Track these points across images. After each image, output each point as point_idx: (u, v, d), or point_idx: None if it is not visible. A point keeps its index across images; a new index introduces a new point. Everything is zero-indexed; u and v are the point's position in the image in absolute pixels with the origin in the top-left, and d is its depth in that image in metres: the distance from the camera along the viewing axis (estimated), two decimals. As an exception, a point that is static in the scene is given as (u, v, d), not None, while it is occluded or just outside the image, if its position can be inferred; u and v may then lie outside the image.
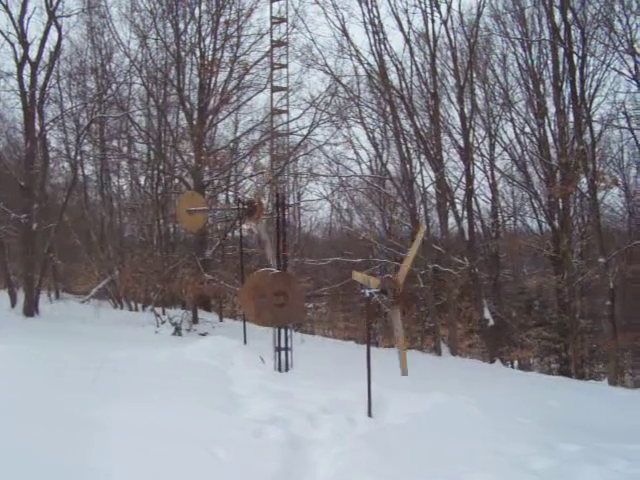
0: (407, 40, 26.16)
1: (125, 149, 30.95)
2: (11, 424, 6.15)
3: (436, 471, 6.25)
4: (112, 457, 5.74)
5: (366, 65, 26.61)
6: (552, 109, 26.99)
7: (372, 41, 25.96)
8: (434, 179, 26.83)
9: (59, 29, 21.82)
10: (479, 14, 25.67)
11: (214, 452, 6.29)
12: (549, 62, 26.80)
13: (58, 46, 22.25)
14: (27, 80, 21.06)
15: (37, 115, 21.58)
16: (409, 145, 27.05)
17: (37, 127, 21.62)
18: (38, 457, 5.44)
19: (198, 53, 24.97)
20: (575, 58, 23.58)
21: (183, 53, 25.08)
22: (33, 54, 21.21)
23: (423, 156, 27.44)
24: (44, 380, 8.42)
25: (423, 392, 9.64)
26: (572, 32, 23.69)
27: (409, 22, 26.14)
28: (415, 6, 25.81)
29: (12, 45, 21.01)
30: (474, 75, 27.46)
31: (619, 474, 6.08)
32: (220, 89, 25.69)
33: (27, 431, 6.03)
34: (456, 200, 28.05)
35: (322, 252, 34.63)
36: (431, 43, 25.87)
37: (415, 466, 6.45)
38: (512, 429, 7.99)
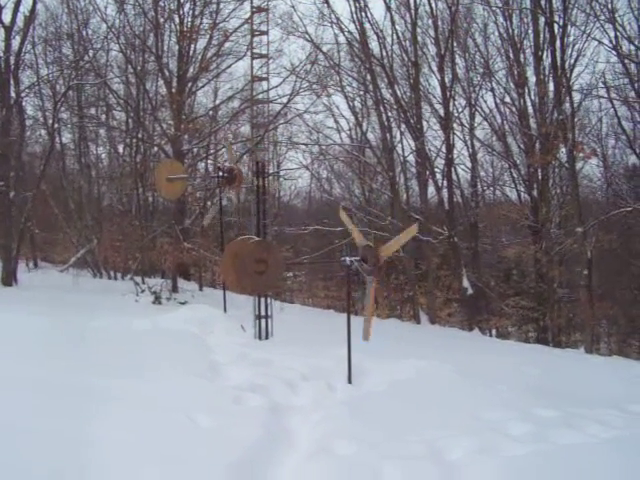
0: (388, 8, 25.93)
1: (103, 117, 30.55)
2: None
3: (416, 436, 6.33)
4: (93, 424, 5.75)
5: (347, 33, 26.36)
6: (532, 79, 26.96)
7: (353, 9, 25.70)
8: (414, 148, 26.81)
9: (34, -8, 21.33)
10: (461, -18, 25.46)
11: (195, 419, 6.33)
12: (530, 31, 26.71)
13: (33, 10, 21.70)
14: (1, 45, 20.67)
15: (12, 81, 21.14)
16: (389, 114, 26.93)
17: (13, 94, 21.22)
18: (24, 424, 5.45)
19: (177, 20, 24.53)
20: (556, 27, 23.43)
21: (162, 19, 24.63)
22: (7, 18, 20.78)
23: (403, 125, 27.39)
24: (25, 349, 8.41)
25: (402, 359, 9.74)
26: (553, 1, 23.59)
27: (391, -11, 25.86)
28: (397, -28, 25.58)
29: (-16, 8, 20.57)
30: (455, 44, 27.26)
31: (594, 438, 6.19)
32: (199, 56, 25.33)
33: (10, 398, 6.04)
34: (436, 169, 28.06)
35: (302, 221, 34.55)
36: (412, 11, 25.69)
37: (395, 431, 6.52)
38: (490, 395, 8.10)
